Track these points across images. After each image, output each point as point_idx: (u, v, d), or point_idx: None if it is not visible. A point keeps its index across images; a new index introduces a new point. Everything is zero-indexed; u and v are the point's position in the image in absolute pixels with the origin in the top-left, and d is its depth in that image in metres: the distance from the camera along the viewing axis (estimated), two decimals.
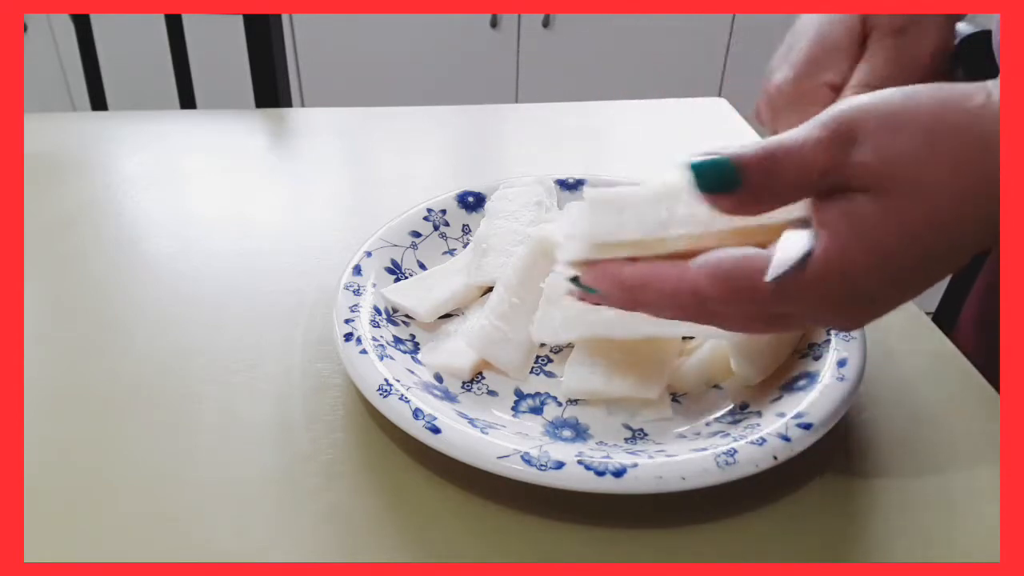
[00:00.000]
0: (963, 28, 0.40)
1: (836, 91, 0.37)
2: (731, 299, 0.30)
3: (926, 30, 0.37)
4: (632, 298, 0.32)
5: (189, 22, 0.92)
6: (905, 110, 0.27)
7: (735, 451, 0.35)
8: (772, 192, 0.29)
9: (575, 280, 0.33)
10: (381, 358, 0.40)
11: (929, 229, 0.27)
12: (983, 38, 0.40)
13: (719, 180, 0.29)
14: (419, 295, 0.46)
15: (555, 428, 0.40)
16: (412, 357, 0.43)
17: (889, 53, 0.37)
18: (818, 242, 0.28)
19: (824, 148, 0.28)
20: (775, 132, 0.35)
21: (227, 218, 0.60)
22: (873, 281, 0.28)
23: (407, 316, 0.46)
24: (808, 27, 0.38)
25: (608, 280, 0.32)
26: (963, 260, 0.29)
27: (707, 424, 0.40)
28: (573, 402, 0.42)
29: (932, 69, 0.38)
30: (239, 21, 0.86)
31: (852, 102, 0.28)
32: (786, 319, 0.31)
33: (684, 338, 0.44)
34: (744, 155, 0.28)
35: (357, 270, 0.47)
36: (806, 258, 0.28)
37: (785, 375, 0.41)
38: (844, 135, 0.28)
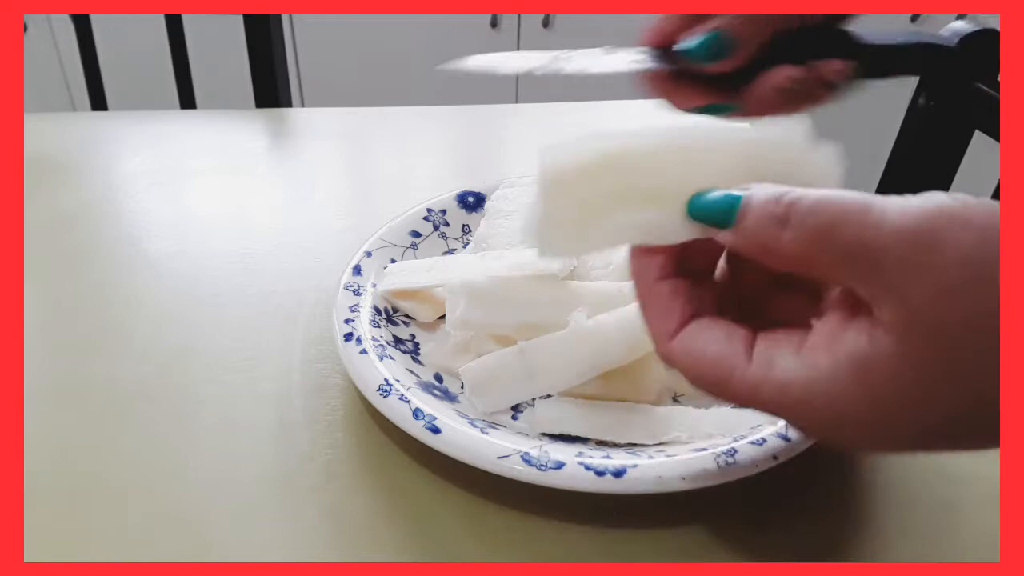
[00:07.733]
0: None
1: None
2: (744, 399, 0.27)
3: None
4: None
5: (189, 22, 0.92)
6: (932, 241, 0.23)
7: (735, 451, 0.35)
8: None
9: None
10: (381, 358, 0.40)
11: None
12: None
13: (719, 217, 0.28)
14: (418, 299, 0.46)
15: None
16: (412, 357, 0.43)
17: None
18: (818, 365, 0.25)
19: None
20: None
21: (227, 218, 0.60)
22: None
23: (407, 316, 0.46)
24: None
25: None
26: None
27: None
28: None
29: None
30: (239, 21, 0.86)
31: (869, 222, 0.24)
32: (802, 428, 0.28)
33: None
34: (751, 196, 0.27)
35: (357, 270, 0.47)
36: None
37: None
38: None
